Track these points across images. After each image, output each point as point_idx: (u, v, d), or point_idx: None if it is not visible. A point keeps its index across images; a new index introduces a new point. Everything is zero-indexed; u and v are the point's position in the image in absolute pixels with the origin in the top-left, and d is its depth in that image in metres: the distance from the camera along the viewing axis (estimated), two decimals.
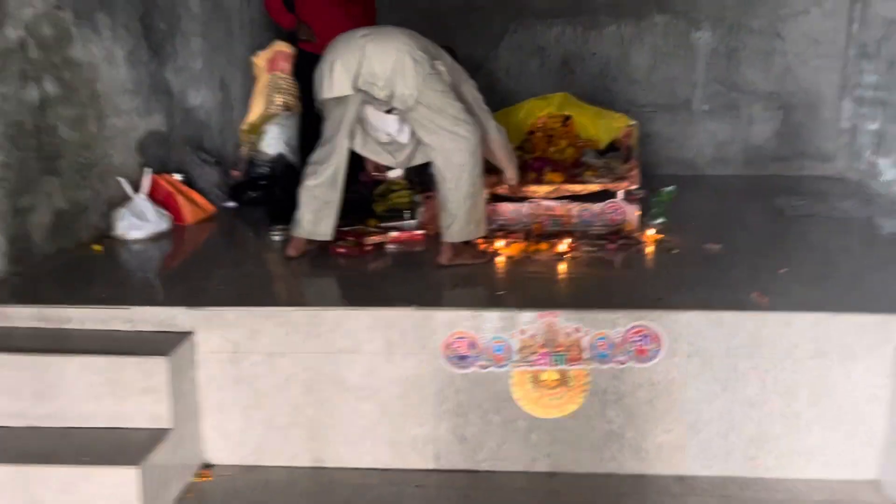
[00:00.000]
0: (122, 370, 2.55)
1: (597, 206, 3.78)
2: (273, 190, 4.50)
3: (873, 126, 4.86)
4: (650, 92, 5.45)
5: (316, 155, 3.30)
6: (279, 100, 5.28)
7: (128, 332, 2.73)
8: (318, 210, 3.26)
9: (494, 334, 2.64)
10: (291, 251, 3.32)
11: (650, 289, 2.86)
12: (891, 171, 4.60)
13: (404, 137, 3.33)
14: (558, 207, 3.77)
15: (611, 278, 3.02)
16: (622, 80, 5.46)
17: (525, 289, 2.93)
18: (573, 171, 3.95)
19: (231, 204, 4.59)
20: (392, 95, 3.07)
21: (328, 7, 4.54)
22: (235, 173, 4.81)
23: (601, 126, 4.35)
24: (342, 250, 3.37)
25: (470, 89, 3.31)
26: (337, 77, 3.09)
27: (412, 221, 3.86)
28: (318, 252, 3.36)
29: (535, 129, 4.41)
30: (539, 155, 4.22)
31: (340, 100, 3.16)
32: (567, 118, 4.40)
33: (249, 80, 5.42)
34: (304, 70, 4.65)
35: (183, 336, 2.69)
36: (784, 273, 3.01)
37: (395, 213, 3.99)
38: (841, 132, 5.28)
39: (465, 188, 3.09)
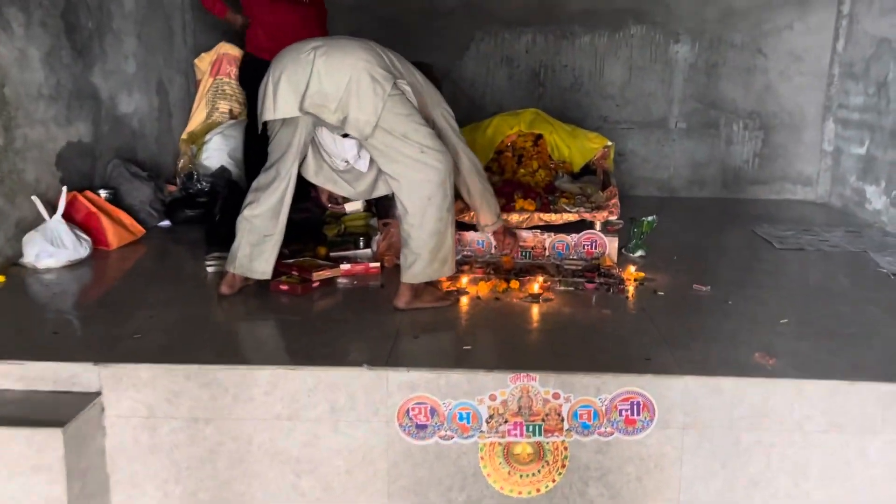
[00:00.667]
0: (7, 444, 2.10)
1: (572, 238, 3.42)
2: (213, 208, 4.06)
3: (859, 150, 4.59)
4: (625, 108, 5.12)
5: (258, 180, 2.88)
6: (223, 107, 4.84)
7: (20, 392, 2.27)
8: (256, 244, 2.83)
9: (460, 399, 2.25)
10: (225, 289, 2.89)
11: (637, 344, 2.49)
12: (879, 200, 4.33)
13: (364, 165, 2.93)
14: (531, 238, 3.39)
15: (592, 329, 2.64)
16: (595, 95, 5.12)
17: (495, 342, 2.54)
18: (545, 196, 3.59)
19: (165, 223, 4.13)
20: (346, 120, 2.65)
21: (276, 5, 4.09)
22: (171, 188, 4.35)
23: (575, 147, 3.99)
24: (284, 288, 2.95)
25: (443, 115, 2.91)
26: (282, 96, 2.67)
27: (367, 251, 3.45)
28: (257, 289, 2.93)
29: (503, 148, 4.03)
30: (508, 177, 3.84)
31: (288, 120, 2.74)
32: (538, 137, 4.04)
33: (192, 84, 4.97)
34: (252, 76, 4.22)
35: (88, 398, 2.25)
36: (786, 324, 2.67)
37: (349, 239, 3.58)
38: (824, 155, 5.02)
39: (430, 224, 2.69)
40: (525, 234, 3.39)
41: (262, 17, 4.13)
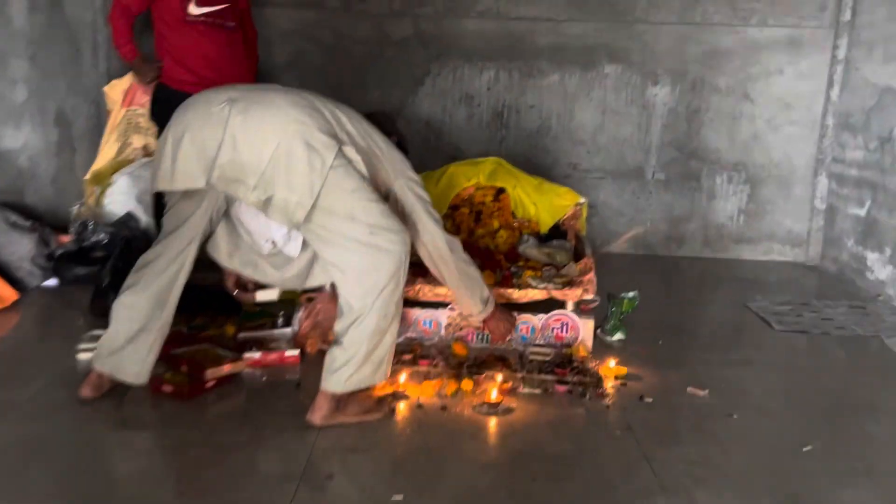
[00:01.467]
0: None
1: (539, 319, 2.81)
2: (112, 265, 3.37)
3: (858, 211, 4.09)
4: (597, 155, 4.57)
5: (145, 256, 2.23)
6: (137, 142, 4.14)
7: None
8: (131, 338, 2.17)
9: None
10: (86, 391, 2.21)
11: (625, 492, 1.88)
12: (882, 269, 3.81)
13: (295, 248, 2.30)
14: None
15: (564, 462, 2.02)
16: (564, 139, 4.56)
17: (437, 484, 1.89)
18: (507, 266, 2.99)
19: (51, 283, 3.43)
20: (269, 203, 2.02)
21: (192, 28, 3.44)
22: (63, 240, 3.65)
23: (543, 203, 3.40)
24: (167, 390, 2.28)
25: (408, 186, 2.31)
26: (183, 162, 2.03)
27: (286, 330, 2.80)
28: (133, 389, 2.26)
29: (459, 202, 3.43)
30: (464, 238, 3.22)
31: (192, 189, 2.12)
32: (500, 191, 3.44)
33: (104, 114, 4.28)
34: (165, 111, 3.58)
35: None
36: (809, 451, 2.09)
37: (267, 312, 2.93)
38: (815, 213, 4.51)
39: (373, 322, 2.07)
40: None
41: (176, 41, 3.48)
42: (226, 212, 2.29)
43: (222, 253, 2.34)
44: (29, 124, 3.70)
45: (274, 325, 2.85)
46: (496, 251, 3.17)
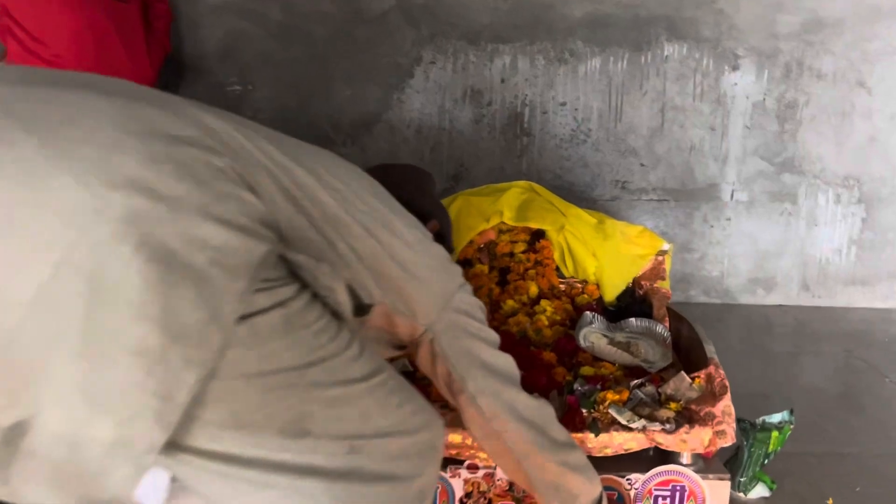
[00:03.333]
0: None
1: (630, 483, 1.55)
2: None
3: None
4: (654, 169, 3.31)
5: None
6: None
7: None
8: None
9: None
10: None
11: None
12: None
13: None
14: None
15: None
16: (608, 149, 3.30)
17: None
18: (566, 376, 1.73)
19: None
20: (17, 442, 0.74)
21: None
22: None
23: (608, 254, 2.14)
24: None
25: (456, 321, 1.21)
26: None
27: None
28: None
29: (472, 255, 2.17)
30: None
31: None
32: (537, 236, 2.19)
33: None
34: None
35: None
36: None
37: None
38: None
39: None
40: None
41: (28, 22, 2.24)
42: None
43: None
44: None
45: None
46: (538, 342, 1.90)
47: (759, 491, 1.73)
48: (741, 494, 1.72)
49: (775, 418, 1.73)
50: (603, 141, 3.29)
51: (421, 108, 3.28)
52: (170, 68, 2.92)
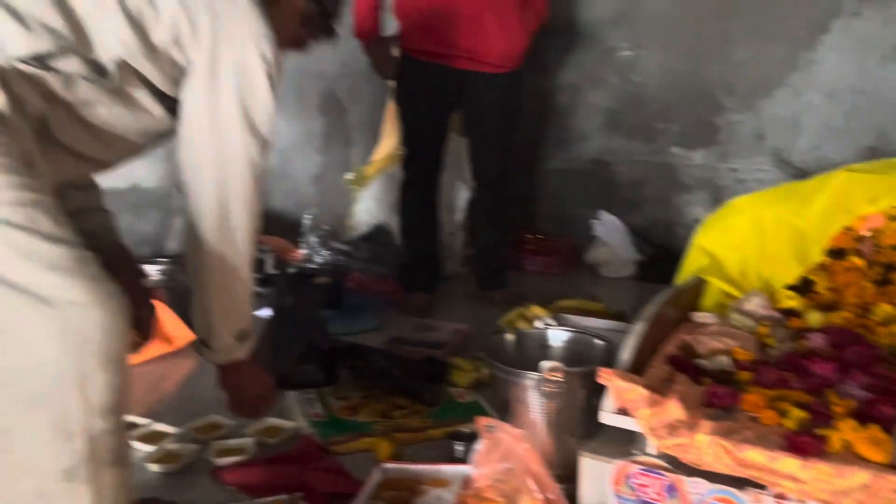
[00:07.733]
0: None
1: None
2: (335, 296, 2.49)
3: None
4: None
5: None
6: None
7: None
8: None
9: None
10: None
11: None
12: None
13: None
14: None
15: None
16: None
17: None
18: None
19: (264, 313, 2.68)
20: None
21: None
22: (294, 256, 2.90)
23: None
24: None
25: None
26: None
27: (460, 470, 1.58)
28: None
29: (843, 245, 1.80)
30: (847, 321, 1.62)
31: None
32: None
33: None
34: (402, 86, 2.66)
35: None
36: None
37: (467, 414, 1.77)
38: None
39: None
40: None
41: None
42: None
43: None
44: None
45: (452, 455, 1.65)
46: None
47: None
48: None
49: None
50: None
51: (838, 68, 2.80)
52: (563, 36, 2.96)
